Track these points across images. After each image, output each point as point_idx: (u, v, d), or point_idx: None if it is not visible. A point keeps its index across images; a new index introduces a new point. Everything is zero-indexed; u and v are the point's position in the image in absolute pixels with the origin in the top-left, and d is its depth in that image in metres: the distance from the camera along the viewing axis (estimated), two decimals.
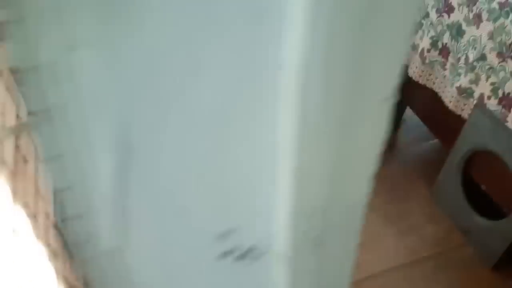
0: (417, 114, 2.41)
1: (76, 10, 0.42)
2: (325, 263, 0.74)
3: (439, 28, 2.06)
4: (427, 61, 2.15)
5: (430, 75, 2.18)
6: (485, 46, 1.83)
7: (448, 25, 2.01)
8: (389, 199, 2.32)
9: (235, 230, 0.56)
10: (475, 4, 1.88)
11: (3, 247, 0.46)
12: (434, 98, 2.19)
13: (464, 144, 2.01)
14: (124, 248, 0.60)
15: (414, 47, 2.24)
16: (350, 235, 0.72)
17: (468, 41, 1.92)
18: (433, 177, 2.27)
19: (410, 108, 2.46)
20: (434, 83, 2.18)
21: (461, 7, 1.94)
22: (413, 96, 2.39)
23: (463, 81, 1.95)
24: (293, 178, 0.54)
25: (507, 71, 1.74)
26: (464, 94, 1.97)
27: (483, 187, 2.01)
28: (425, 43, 2.14)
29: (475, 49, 1.88)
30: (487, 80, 1.84)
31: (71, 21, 0.42)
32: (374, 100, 0.55)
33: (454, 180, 2.11)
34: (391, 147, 2.54)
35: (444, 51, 2.06)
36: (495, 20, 1.79)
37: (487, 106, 1.85)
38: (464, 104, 2.00)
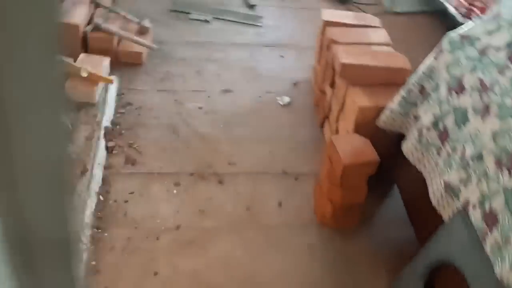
0: (401, 194, 2.08)
1: None
2: None
3: (445, 107, 1.73)
4: (423, 140, 1.83)
5: (423, 156, 1.85)
6: (485, 145, 1.49)
7: (454, 108, 1.68)
8: (340, 282, 2.00)
9: None
10: (486, 91, 1.54)
11: None
12: (421, 183, 1.85)
13: (434, 250, 1.67)
14: None
15: (416, 118, 1.92)
16: None
17: (470, 132, 1.58)
18: (398, 271, 1.92)
19: (396, 185, 2.13)
20: (424, 167, 1.84)
21: (472, 90, 1.61)
22: (402, 173, 2.06)
23: (453, 176, 1.62)
24: None
25: (500, 184, 1.40)
26: (450, 192, 1.63)
27: None
28: (427, 119, 1.81)
29: (474, 144, 1.55)
30: (477, 185, 1.50)
31: None
32: None
33: (414, 285, 1.77)
34: (366, 221, 2.20)
35: (444, 135, 1.73)
36: (503, 118, 1.45)
37: (470, 215, 1.51)
38: (448, 203, 1.66)
